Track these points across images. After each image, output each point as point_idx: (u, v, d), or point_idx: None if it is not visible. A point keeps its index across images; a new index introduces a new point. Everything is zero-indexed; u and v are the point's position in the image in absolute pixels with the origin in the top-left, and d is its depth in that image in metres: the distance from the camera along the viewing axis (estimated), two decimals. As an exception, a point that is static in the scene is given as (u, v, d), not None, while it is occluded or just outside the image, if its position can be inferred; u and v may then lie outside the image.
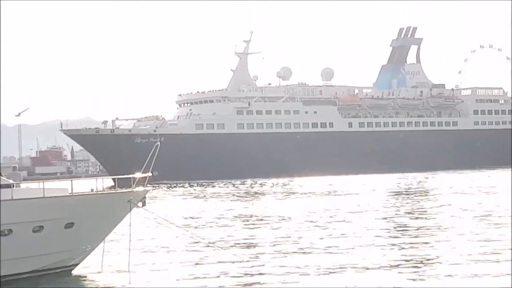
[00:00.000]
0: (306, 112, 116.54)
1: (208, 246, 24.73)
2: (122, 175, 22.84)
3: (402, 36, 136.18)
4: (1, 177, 20.34)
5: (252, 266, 21.69)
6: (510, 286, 17.16)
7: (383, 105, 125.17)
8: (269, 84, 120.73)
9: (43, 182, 20.63)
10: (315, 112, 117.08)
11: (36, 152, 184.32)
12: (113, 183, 23.27)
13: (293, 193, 62.28)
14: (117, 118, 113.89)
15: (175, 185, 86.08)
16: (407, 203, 46.47)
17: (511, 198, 43.08)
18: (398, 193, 57.16)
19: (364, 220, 35.18)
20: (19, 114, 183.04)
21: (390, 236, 28.74)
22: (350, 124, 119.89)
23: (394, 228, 31.97)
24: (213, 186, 79.67)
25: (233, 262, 22.31)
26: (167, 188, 78.47)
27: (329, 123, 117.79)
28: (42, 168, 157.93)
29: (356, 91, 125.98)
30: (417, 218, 36.27)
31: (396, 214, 38.24)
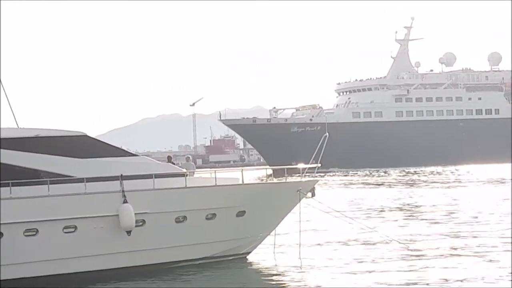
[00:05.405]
0: (470, 99, 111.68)
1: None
2: (279, 163, 23.19)
3: None
4: (175, 165, 21.01)
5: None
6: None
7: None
8: (431, 70, 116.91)
9: (215, 171, 20.99)
10: (480, 99, 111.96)
11: (210, 141, 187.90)
12: (271, 172, 22.53)
13: (460, 181, 59.06)
14: (274, 107, 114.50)
15: (330, 173, 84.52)
16: None
17: None
18: None
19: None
20: (193, 104, 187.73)
21: None
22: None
23: None
24: (372, 175, 77.50)
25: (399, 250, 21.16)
26: (321, 176, 76.96)
27: (495, 109, 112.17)
28: (215, 156, 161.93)
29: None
30: None
31: None
